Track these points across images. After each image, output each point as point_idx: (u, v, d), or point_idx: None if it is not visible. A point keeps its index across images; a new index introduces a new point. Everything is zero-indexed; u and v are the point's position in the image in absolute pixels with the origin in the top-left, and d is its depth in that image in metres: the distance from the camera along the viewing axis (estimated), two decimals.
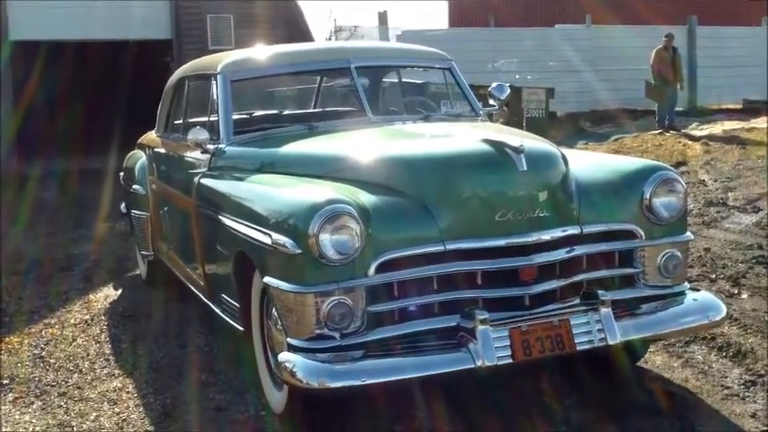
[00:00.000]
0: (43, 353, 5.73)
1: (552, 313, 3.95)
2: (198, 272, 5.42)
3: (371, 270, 3.77)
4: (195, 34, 17.99)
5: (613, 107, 20.02)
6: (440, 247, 3.85)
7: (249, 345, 4.60)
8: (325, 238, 3.71)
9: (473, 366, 3.71)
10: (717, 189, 10.19)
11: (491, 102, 5.81)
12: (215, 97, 5.45)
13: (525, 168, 3.92)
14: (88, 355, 5.67)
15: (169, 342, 5.78)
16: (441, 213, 3.89)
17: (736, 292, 6.07)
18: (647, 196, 4.23)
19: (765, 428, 4.08)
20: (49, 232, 10.14)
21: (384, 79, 6.38)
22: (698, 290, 4.49)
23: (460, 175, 3.98)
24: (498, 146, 4.01)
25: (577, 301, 4.05)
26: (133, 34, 17.82)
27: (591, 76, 20.60)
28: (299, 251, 3.75)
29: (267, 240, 3.95)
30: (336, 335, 3.75)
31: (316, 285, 3.75)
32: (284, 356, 3.77)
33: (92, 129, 18.09)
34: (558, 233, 4.00)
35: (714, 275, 6.48)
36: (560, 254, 4.01)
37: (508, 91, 5.87)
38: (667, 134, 16.29)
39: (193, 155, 5.53)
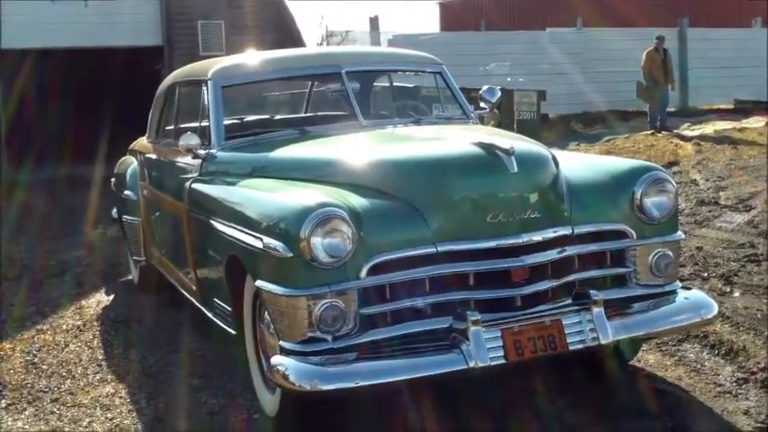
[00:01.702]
0: (35, 359, 5.72)
1: (544, 313, 3.96)
2: (190, 276, 5.42)
3: (363, 272, 3.77)
4: (186, 41, 17.97)
5: (605, 109, 20.07)
6: (431, 249, 3.86)
7: (242, 348, 4.60)
8: (317, 242, 3.71)
9: (466, 367, 3.72)
10: (709, 188, 10.23)
11: (482, 105, 5.82)
12: (206, 103, 5.46)
13: (516, 170, 3.93)
14: (81, 360, 5.66)
15: (161, 347, 5.78)
16: (432, 216, 3.90)
17: (728, 290, 6.09)
18: (638, 196, 4.24)
19: (758, 425, 4.09)
20: (41, 238, 10.12)
21: (375, 83, 6.39)
22: (689, 288, 4.51)
23: (451, 177, 3.99)
24: (489, 148, 4.02)
25: (569, 301, 4.05)
26: (123, 41, 17.80)
27: (582, 78, 20.65)
28: (291, 254, 3.75)
29: (259, 244, 3.95)
30: (329, 337, 3.75)
31: (307, 288, 3.75)
32: (277, 359, 3.77)
33: (82, 136, 18.04)
34: (549, 234, 4.01)
35: (706, 274, 6.51)
36: (552, 254, 4.02)
37: (499, 94, 5.88)
38: (659, 135, 16.34)
39: (185, 160, 5.53)
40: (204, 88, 5.52)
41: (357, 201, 3.93)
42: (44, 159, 16.80)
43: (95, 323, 6.50)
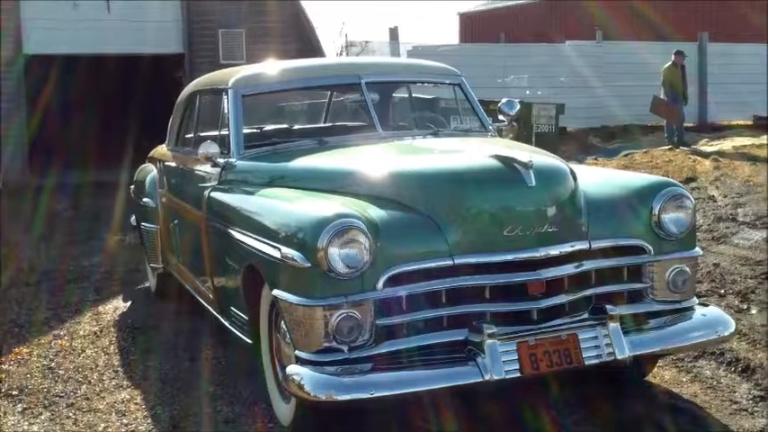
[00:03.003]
0: (52, 364, 5.75)
1: (560, 328, 3.96)
2: (207, 285, 5.44)
3: (380, 284, 3.79)
4: (207, 49, 18.04)
5: (623, 123, 20.02)
6: (448, 262, 3.87)
7: (258, 357, 4.61)
8: (335, 252, 3.73)
9: (481, 380, 3.73)
10: (726, 205, 10.18)
11: (501, 117, 5.83)
12: (226, 112, 5.49)
13: (534, 184, 3.94)
14: (97, 366, 5.69)
15: (178, 354, 5.80)
16: (449, 228, 3.91)
17: (745, 307, 6.07)
18: (656, 212, 4.24)
19: None
20: (61, 244, 10.18)
21: (394, 94, 6.41)
22: (707, 305, 4.49)
23: (469, 190, 4.00)
24: (507, 161, 4.03)
25: (586, 315, 4.05)
26: (146, 49, 17.90)
27: (601, 91, 20.60)
28: (308, 265, 3.77)
29: (276, 254, 3.97)
30: (345, 348, 3.76)
31: (324, 299, 3.77)
32: (292, 369, 3.79)
33: (104, 142, 18.17)
34: (566, 248, 4.01)
35: (723, 291, 6.48)
36: (569, 269, 4.02)
37: (518, 107, 5.90)
38: (677, 150, 16.27)
39: (204, 168, 5.56)
40: (224, 97, 5.55)
41: (375, 212, 3.95)
42: (67, 165, 16.91)
43: (112, 329, 6.53)
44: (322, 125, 6.73)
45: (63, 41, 16.91)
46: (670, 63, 17.36)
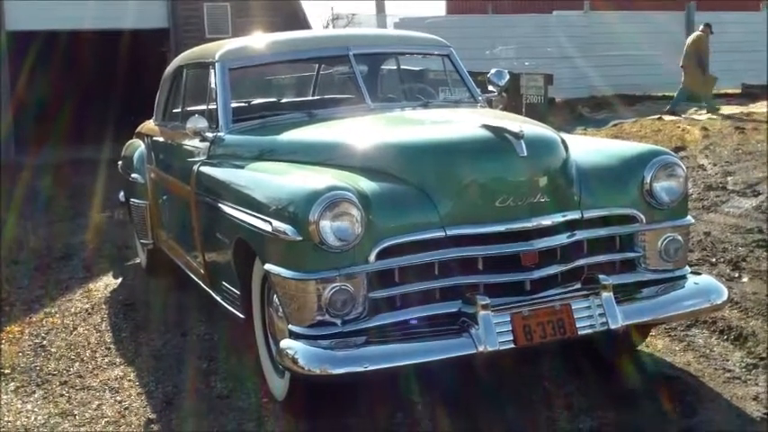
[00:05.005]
0: (44, 342, 5.73)
1: (553, 298, 3.95)
2: (198, 260, 5.41)
3: (372, 256, 3.77)
4: (192, 23, 17.89)
5: (611, 93, 19.99)
6: (440, 233, 3.84)
7: (250, 332, 4.60)
8: (326, 225, 3.70)
9: (475, 351, 3.71)
10: (716, 173, 10.18)
11: (490, 88, 5.80)
12: (213, 85, 5.44)
13: (525, 154, 3.91)
14: (89, 343, 5.68)
15: (170, 330, 5.78)
16: (441, 199, 3.89)
17: (736, 275, 6.07)
18: (648, 181, 4.22)
19: (767, 411, 4.08)
20: (48, 222, 10.13)
21: (383, 66, 6.37)
22: (699, 273, 4.49)
23: (460, 160, 3.97)
24: (498, 131, 4.00)
25: (578, 285, 4.04)
26: (130, 24, 17.73)
27: (589, 62, 20.55)
28: (300, 238, 3.74)
29: (267, 228, 3.94)
30: (338, 321, 3.75)
31: (317, 272, 3.74)
32: (286, 343, 3.77)
33: (89, 119, 18.04)
34: (558, 218, 4.00)
35: (714, 259, 6.48)
36: (561, 239, 4.01)
37: (507, 77, 5.87)
38: (666, 119, 16.25)
39: (192, 143, 5.52)
40: (212, 70, 5.50)
41: (366, 184, 3.92)
42: (50, 143, 16.79)
43: (103, 306, 6.51)
44: (310, 98, 6.68)
45: (46, 17, 16.73)
46: (699, 32, 17.37)
